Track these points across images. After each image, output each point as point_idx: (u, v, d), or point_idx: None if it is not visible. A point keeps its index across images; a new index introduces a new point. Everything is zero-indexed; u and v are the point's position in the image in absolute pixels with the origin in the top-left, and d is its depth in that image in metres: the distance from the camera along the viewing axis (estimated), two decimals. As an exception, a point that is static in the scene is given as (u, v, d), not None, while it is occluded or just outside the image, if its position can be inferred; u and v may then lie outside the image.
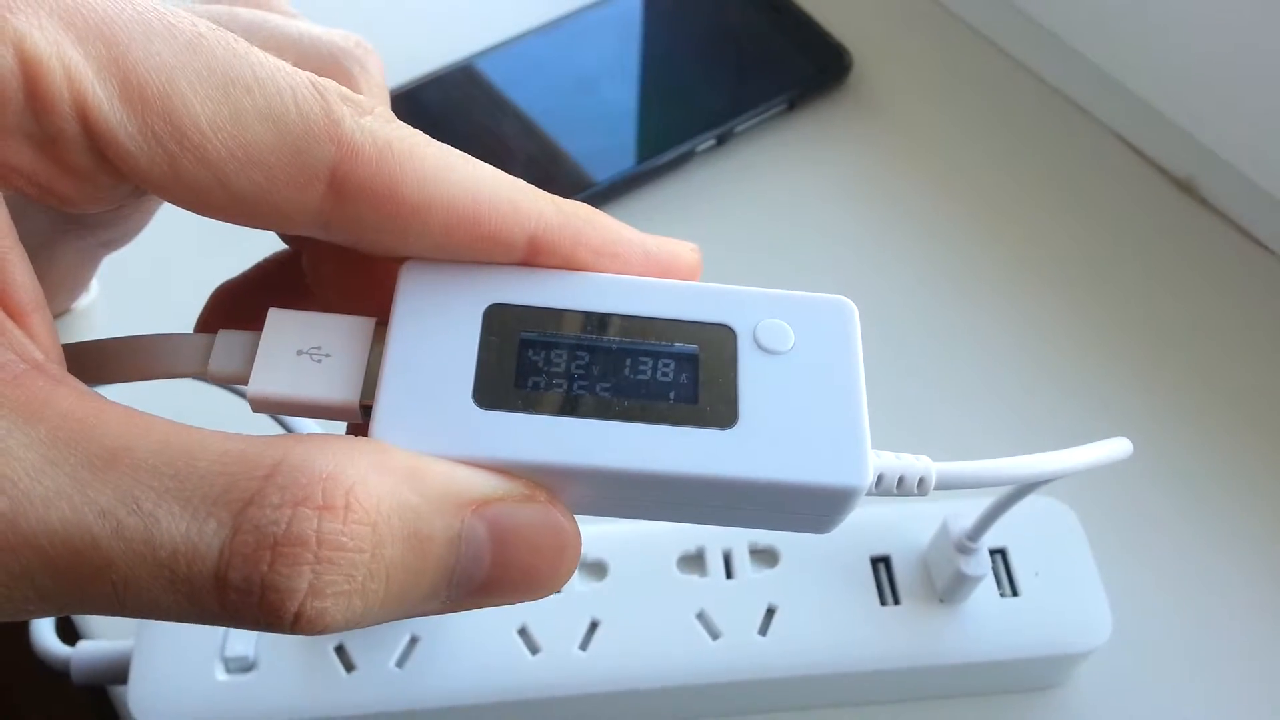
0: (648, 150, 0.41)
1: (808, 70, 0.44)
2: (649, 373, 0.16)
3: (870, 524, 0.31)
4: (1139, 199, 0.42)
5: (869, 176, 0.42)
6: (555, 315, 0.17)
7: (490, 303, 0.17)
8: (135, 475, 0.13)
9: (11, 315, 0.15)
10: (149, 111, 0.14)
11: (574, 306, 0.17)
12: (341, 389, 0.16)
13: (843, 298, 0.18)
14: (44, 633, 0.33)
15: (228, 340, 0.17)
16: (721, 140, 0.42)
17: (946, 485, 0.18)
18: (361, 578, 0.14)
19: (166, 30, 0.15)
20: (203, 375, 0.17)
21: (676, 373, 0.16)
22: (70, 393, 0.14)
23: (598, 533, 0.31)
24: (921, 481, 0.18)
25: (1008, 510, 0.27)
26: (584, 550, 0.30)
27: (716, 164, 0.42)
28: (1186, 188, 0.42)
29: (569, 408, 0.16)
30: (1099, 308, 0.39)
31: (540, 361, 0.16)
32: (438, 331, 0.16)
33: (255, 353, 0.16)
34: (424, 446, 0.15)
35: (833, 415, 0.16)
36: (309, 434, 0.14)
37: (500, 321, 0.16)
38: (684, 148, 0.41)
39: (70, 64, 0.14)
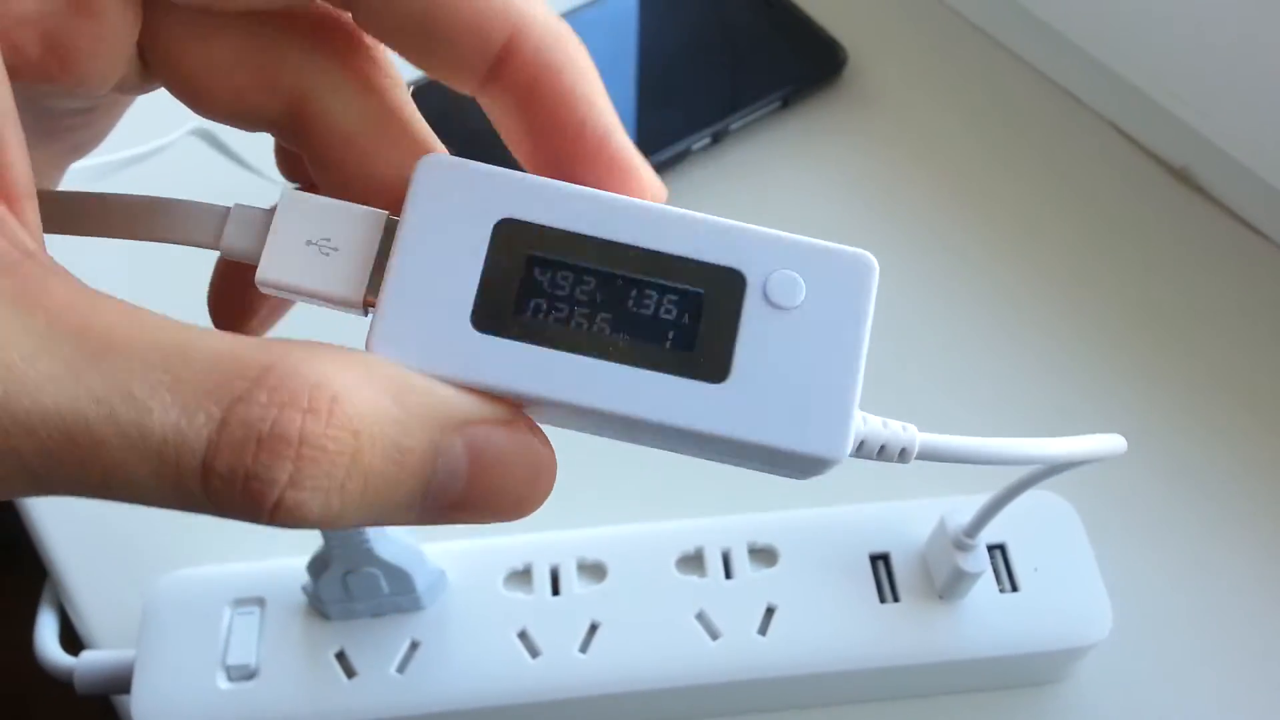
0: (644, 149, 0.41)
1: (802, 67, 0.44)
2: (651, 309, 0.16)
3: (869, 522, 0.31)
4: (1135, 188, 0.41)
5: (865, 172, 0.42)
6: (567, 238, 0.16)
7: (501, 217, 0.16)
8: (130, 366, 0.14)
9: (5, 200, 0.15)
10: None
11: (587, 231, 0.16)
12: (346, 285, 0.16)
13: (864, 252, 0.17)
14: (48, 643, 0.33)
15: (241, 215, 0.17)
16: (716, 139, 0.42)
17: (928, 457, 0.18)
18: (340, 478, 0.14)
19: None
20: (214, 247, 0.17)
21: (679, 313, 0.16)
22: (65, 283, 0.14)
23: (596, 535, 0.31)
24: (903, 452, 0.18)
25: (1006, 506, 0.27)
26: (583, 552, 0.31)
27: (712, 162, 0.42)
28: (1182, 176, 0.41)
29: (565, 341, 0.16)
30: (1096, 297, 0.39)
31: (544, 285, 0.16)
32: (445, 242, 0.16)
33: (266, 233, 0.16)
34: (416, 363, 0.15)
35: (825, 381, 0.16)
36: (302, 341, 0.15)
37: (509, 238, 0.16)
38: (679, 146, 0.41)
39: None
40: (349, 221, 0.16)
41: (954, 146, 0.43)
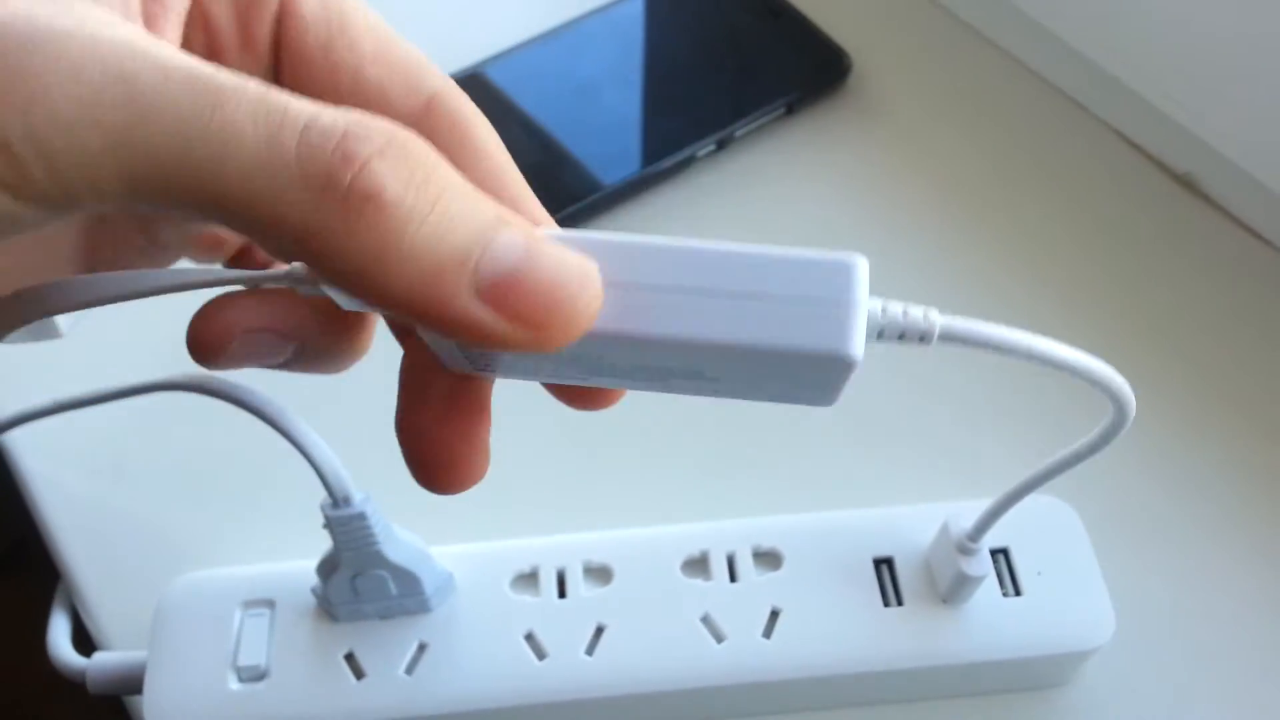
0: (650, 156, 0.42)
1: (807, 74, 0.44)
2: None
3: (872, 526, 0.31)
4: (1138, 194, 0.42)
5: (869, 179, 0.42)
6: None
7: None
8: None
9: None
10: None
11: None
12: None
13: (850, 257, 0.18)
14: (60, 644, 0.33)
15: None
16: (722, 145, 0.42)
17: (950, 339, 0.18)
18: (420, 176, 0.15)
19: None
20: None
21: None
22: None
23: (602, 538, 0.31)
24: (924, 336, 0.18)
25: (1010, 509, 0.27)
26: (589, 556, 0.31)
27: (717, 169, 0.43)
28: (1186, 183, 0.42)
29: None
30: (1099, 304, 0.39)
31: None
32: None
33: None
34: None
35: (830, 296, 0.17)
36: None
37: None
38: (684, 153, 0.42)
39: None
40: None
41: (957, 153, 0.43)
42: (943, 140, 0.43)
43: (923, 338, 0.18)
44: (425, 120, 0.19)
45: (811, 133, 0.44)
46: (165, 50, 0.15)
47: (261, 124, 0.15)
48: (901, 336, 0.18)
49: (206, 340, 0.20)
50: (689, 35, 0.46)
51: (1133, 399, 0.21)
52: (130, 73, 0.14)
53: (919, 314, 0.18)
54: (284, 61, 0.20)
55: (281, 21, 0.19)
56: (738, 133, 0.42)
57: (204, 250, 0.24)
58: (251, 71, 0.19)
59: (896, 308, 0.18)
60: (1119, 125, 0.43)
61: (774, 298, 0.17)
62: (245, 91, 0.15)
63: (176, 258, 0.24)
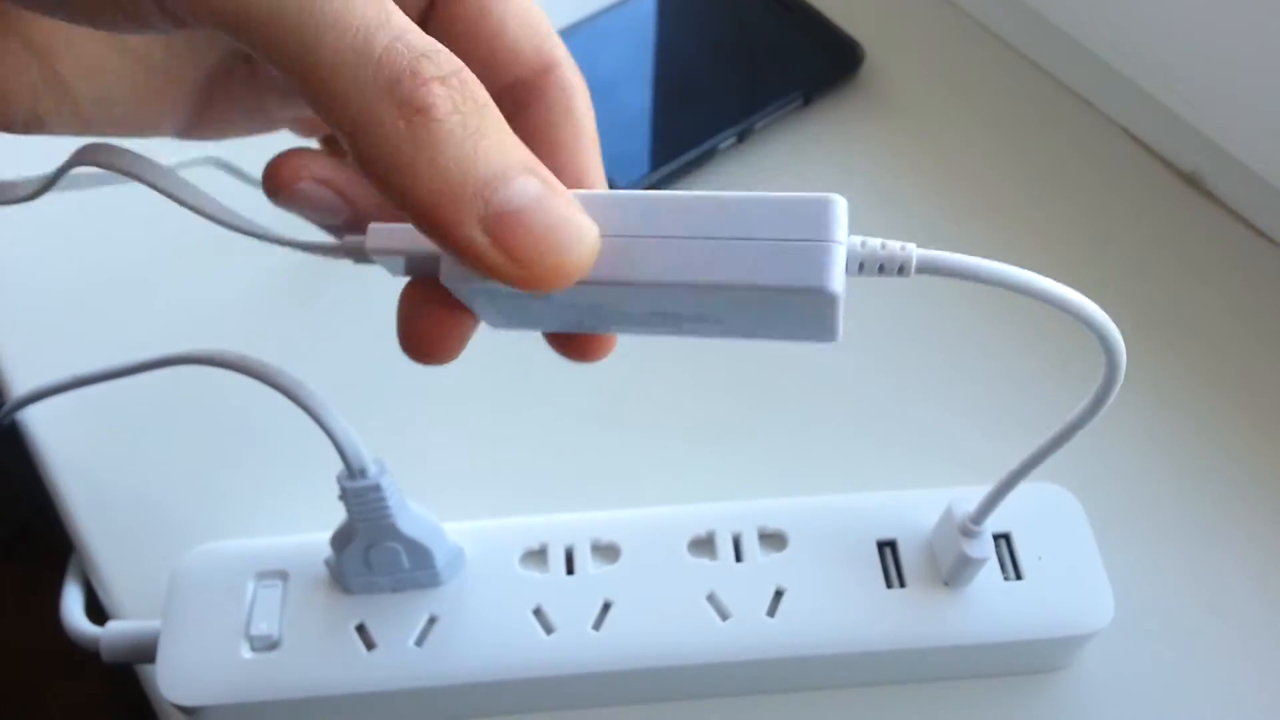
0: (671, 151, 0.42)
1: (821, 65, 0.45)
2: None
3: (876, 509, 0.32)
4: (1145, 192, 0.42)
5: (881, 169, 0.43)
6: None
7: None
8: None
9: None
10: None
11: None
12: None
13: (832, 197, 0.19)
14: (74, 614, 0.34)
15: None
16: (742, 137, 0.43)
17: (928, 270, 0.19)
18: (468, 108, 0.17)
19: None
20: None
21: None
22: None
23: (610, 517, 0.32)
24: (902, 267, 0.19)
25: (1014, 488, 0.28)
26: (597, 534, 0.31)
27: (737, 161, 0.43)
28: (1192, 181, 0.42)
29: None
30: (1103, 299, 0.39)
31: None
32: None
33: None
34: None
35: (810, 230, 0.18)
36: None
37: None
38: (707, 146, 0.42)
39: None
40: None
41: (966, 146, 0.43)
42: (951, 133, 0.44)
43: (901, 269, 0.19)
44: (541, 80, 0.22)
45: (827, 124, 0.44)
46: None
47: (370, 17, 0.17)
48: (881, 269, 0.19)
49: (281, 175, 0.23)
50: (702, 30, 0.46)
51: (1119, 338, 0.23)
52: None
53: (896, 246, 0.19)
54: (439, 7, 0.22)
55: None
56: (757, 125, 0.43)
57: (305, 130, 0.27)
58: None
59: (875, 241, 0.19)
60: (1125, 122, 0.44)
61: (759, 239, 0.18)
62: None
63: (275, 129, 0.26)
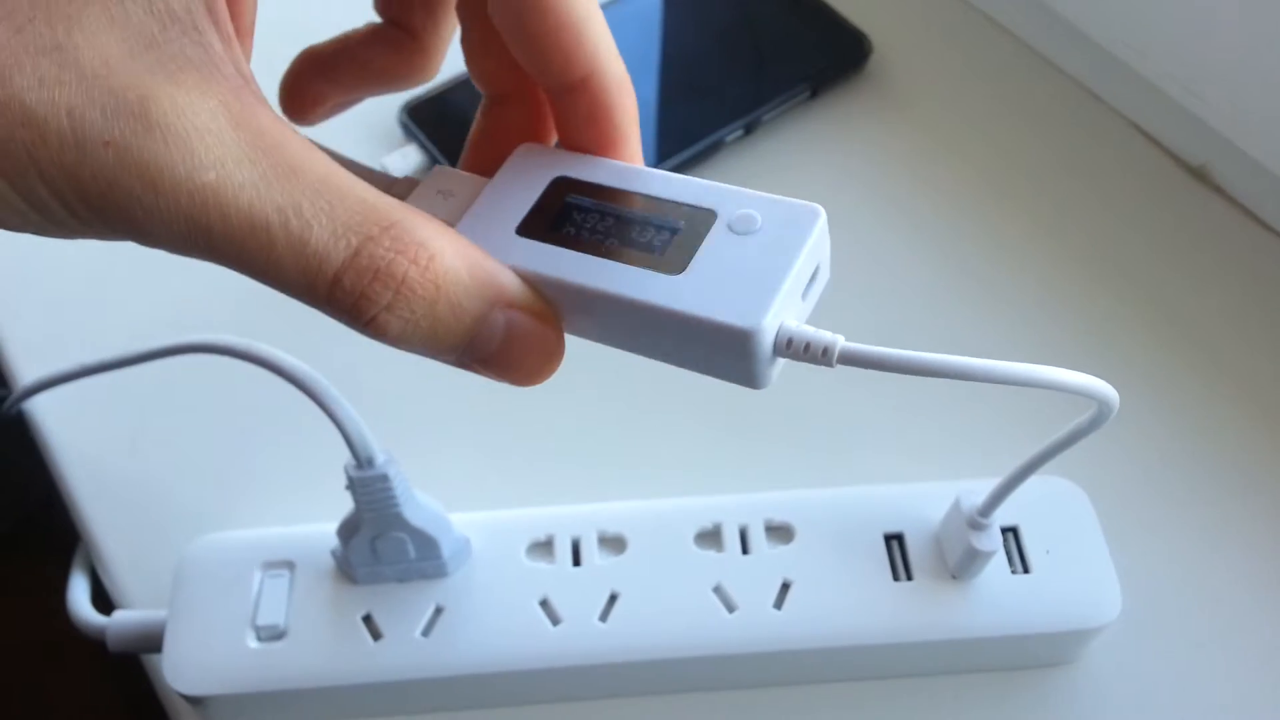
0: (678, 143, 0.42)
1: (828, 57, 0.44)
2: (642, 234, 0.21)
3: (883, 502, 0.32)
4: (1153, 186, 0.42)
5: (889, 161, 0.43)
6: (597, 188, 0.22)
7: (557, 175, 0.22)
8: (304, 191, 0.18)
9: (238, 34, 0.20)
10: None
11: (612, 184, 0.22)
12: (449, 214, 0.22)
13: (815, 205, 0.21)
14: (80, 604, 0.34)
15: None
16: (749, 130, 0.43)
17: (850, 361, 0.20)
18: (419, 314, 0.19)
19: None
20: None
21: (661, 236, 0.21)
22: (268, 112, 0.19)
23: (617, 509, 0.32)
24: (825, 352, 0.20)
25: (1023, 482, 0.28)
26: (603, 525, 0.31)
27: (745, 153, 0.43)
28: (1200, 175, 0.42)
29: (576, 245, 0.21)
30: (1114, 294, 0.39)
31: (573, 214, 0.22)
32: (516, 190, 0.22)
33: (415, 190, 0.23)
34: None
35: (757, 278, 0.20)
36: (418, 210, 0.20)
37: (558, 187, 0.22)
38: (713, 138, 0.42)
39: None
40: (467, 182, 0.23)
41: (974, 139, 0.43)
42: (959, 126, 0.44)
43: (824, 353, 0.20)
44: (584, 86, 0.23)
45: (835, 116, 0.44)
46: (235, 200, 0.18)
47: (302, 270, 0.18)
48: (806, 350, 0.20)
49: (300, 105, 0.25)
50: (709, 22, 0.46)
51: (1106, 391, 0.23)
52: (205, 230, 0.18)
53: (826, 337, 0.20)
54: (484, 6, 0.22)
55: None
56: (764, 117, 0.43)
57: None
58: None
59: (800, 341, 0.20)
60: (1134, 116, 0.43)
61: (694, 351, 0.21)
62: (290, 243, 0.18)
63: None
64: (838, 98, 0.44)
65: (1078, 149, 0.43)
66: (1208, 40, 0.40)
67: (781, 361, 0.20)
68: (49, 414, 0.37)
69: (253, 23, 0.21)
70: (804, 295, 0.21)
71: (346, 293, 0.19)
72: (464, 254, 0.20)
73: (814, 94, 0.44)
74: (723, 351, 0.20)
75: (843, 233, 0.41)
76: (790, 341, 0.20)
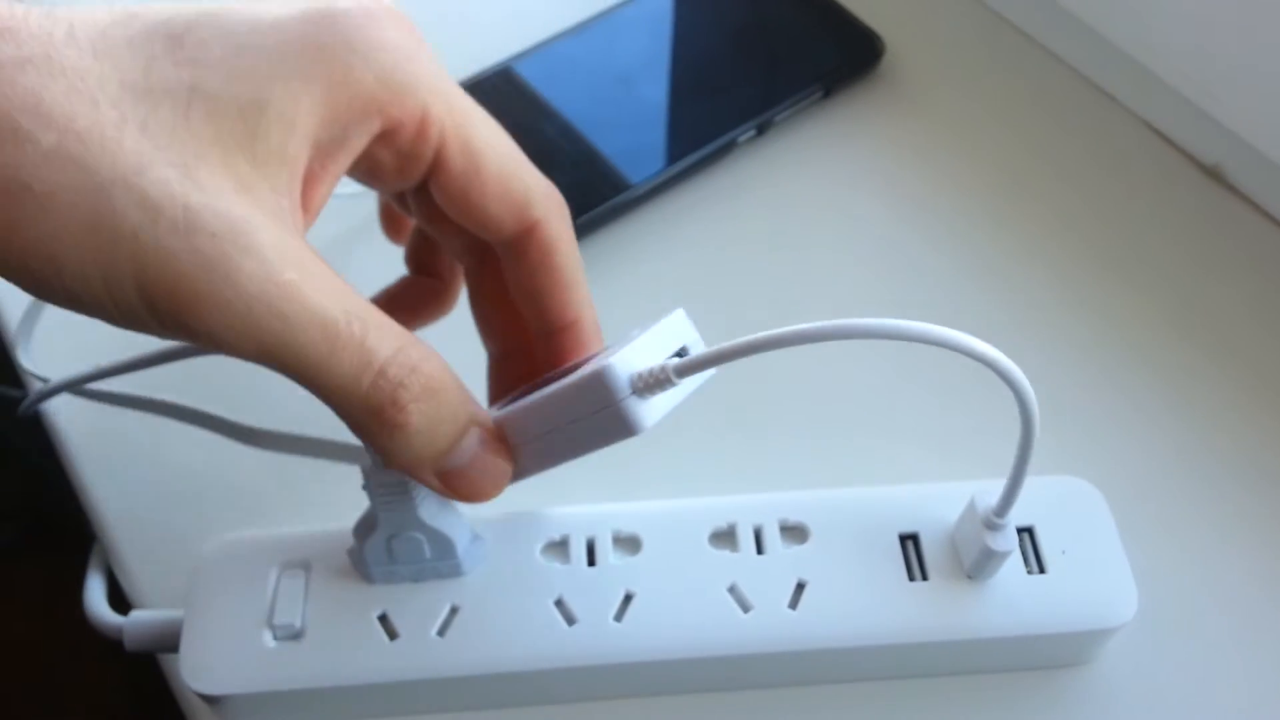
0: (690, 144, 0.42)
1: (841, 57, 0.44)
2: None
3: (898, 502, 0.32)
4: (1167, 185, 0.42)
5: (903, 162, 0.43)
6: None
7: None
8: (358, 306, 0.23)
9: (305, 210, 0.24)
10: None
11: None
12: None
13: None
14: (97, 603, 0.34)
15: None
16: (762, 130, 0.43)
17: (689, 371, 0.24)
18: (435, 415, 0.24)
19: None
20: None
21: None
22: (321, 262, 0.24)
23: (632, 509, 0.32)
24: (662, 370, 0.24)
25: (1029, 480, 0.27)
26: (618, 526, 0.31)
27: (758, 153, 0.43)
28: (1214, 174, 0.42)
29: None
30: (1128, 293, 0.39)
31: None
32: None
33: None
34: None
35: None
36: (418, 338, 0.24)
37: None
38: (726, 139, 0.42)
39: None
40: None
41: (987, 139, 0.43)
42: (972, 126, 0.44)
43: (669, 379, 0.24)
44: (524, 240, 0.28)
45: (849, 116, 0.44)
46: (311, 298, 0.22)
47: (354, 365, 0.23)
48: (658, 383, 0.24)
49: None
50: (721, 22, 0.46)
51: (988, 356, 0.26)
52: (281, 316, 0.22)
53: (656, 368, 0.24)
54: (431, 189, 0.27)
55: (433, 166, 0.26)
56: (777, 118, 0.43)
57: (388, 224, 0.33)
58: (404, 192, 0.28)
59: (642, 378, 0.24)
60: (1147, 116, 0.43)
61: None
62: (352, 339, 0.23)
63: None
64: (851, 97, 0.44)
65: (1091, 148, 0.43)
66: (1221, 39, 0.40)
67: (652, 401, 0.24)
68: (66, 414, 0.37)
69: (319, 207, 0.25)
70: (677, 374, 0.24)
71: (389, 381, 0.23)
72: (456, 385, 0.25)
73: (827, 94, 0.44)
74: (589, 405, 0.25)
75: (857, 232, 0.41)
76: (632, 379, 0.24)
